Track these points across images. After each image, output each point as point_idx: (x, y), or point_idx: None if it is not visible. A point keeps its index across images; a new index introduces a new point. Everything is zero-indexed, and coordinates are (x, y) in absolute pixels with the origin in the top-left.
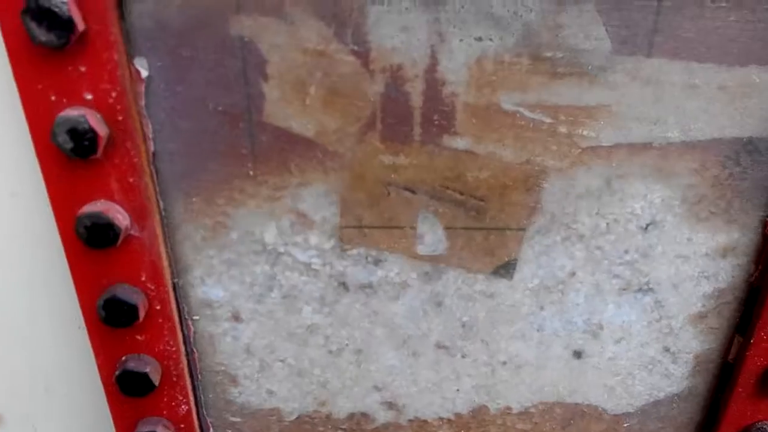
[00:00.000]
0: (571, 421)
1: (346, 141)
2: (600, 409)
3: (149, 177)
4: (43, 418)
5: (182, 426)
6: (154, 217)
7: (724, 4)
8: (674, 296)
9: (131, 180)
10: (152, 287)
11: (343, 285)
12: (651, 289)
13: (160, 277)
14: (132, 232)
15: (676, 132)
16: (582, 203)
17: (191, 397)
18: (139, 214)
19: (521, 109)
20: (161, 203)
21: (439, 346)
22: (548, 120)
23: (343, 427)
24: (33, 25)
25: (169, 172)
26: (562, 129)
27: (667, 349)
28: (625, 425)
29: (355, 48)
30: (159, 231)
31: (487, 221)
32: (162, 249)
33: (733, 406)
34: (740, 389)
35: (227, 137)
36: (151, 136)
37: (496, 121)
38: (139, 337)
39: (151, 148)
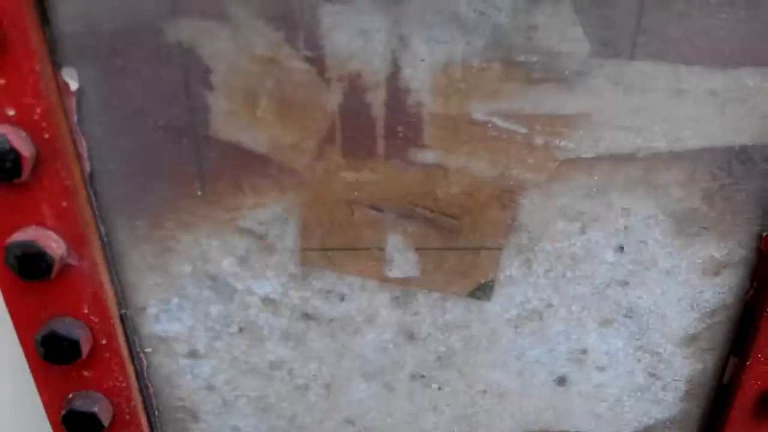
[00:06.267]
0: None
1: (303, 156)
2: None
3: (85, 200)
4: None
5: None
6: (93, 244)
7: (713, 0)
8: (660, 321)
9: (64, 204)
10: (96, 320)
11: (307, 317)
12: (636, 315)
13: (104, 308)
14: (69, 260)
15: (662, 142)
16: (561, 221)
17: None
18: (76, 241)
19: (494, 119)
20: (102, 228)
21: (413, 377)
22: (523, 130)
23: None
24: None
25: (110, 194)
26: (539, 140)
27: (653, 375)
28: None
29: (309, 54)
30: (100, 258)
31: (461, 240)
32: (105, 278)
33: (729, 431)
34: (736, 413)
35: (171, 155)
36: (86, 154)
37: (466, 132)
38: (85, 373)
39: (87, 168)
